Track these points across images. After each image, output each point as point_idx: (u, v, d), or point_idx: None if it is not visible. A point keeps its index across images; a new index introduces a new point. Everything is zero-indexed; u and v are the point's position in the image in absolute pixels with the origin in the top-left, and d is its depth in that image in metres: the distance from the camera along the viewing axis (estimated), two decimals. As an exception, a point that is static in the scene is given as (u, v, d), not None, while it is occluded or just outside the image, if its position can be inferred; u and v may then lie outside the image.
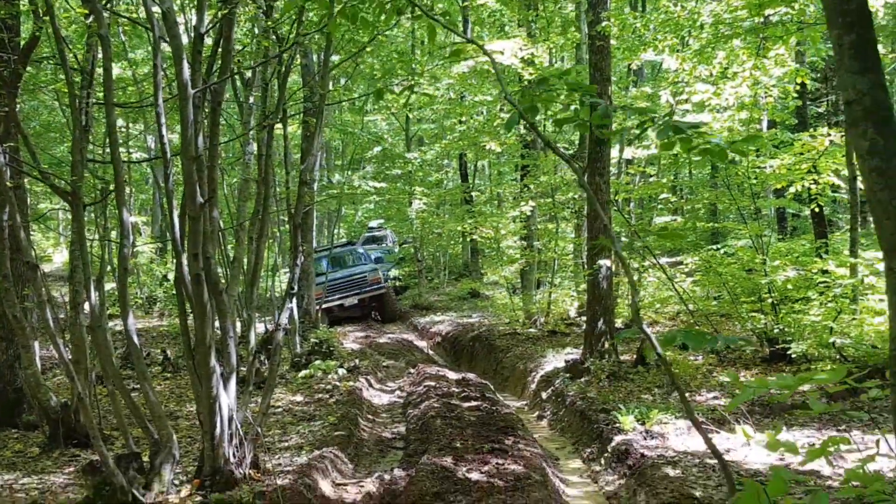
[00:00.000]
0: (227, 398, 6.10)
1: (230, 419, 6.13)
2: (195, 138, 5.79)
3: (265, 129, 10.23)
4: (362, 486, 6.37)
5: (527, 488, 6.05)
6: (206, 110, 6.67)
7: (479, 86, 19.34)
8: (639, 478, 6.53)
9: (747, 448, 7.07)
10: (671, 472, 6.39)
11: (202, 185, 6.19)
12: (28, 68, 9.04)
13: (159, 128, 6.08)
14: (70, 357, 6.95)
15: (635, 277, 15.92)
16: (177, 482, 6.15)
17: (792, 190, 13.42)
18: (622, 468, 7.07)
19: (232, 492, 5.79)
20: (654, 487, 6.10)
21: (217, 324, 6.25)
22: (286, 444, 7.77)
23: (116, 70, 15.45)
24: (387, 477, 6.46)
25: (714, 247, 14.42)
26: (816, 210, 13.50)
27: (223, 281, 16.86)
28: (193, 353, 5.95)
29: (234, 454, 6.11)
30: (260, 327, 16.69)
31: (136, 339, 6.13)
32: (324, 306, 18.69)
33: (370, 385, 11.70)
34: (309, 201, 16.42)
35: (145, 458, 6.13)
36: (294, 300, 13.31)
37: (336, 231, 39.79)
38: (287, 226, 25.17)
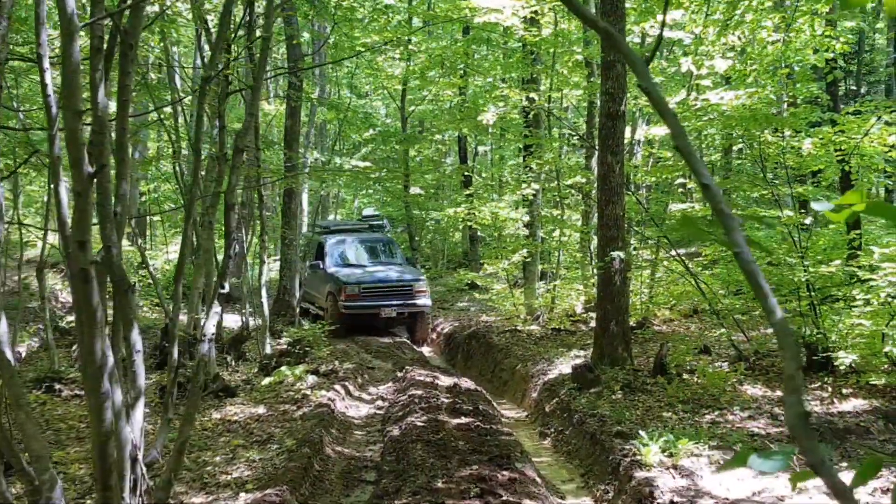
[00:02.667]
0: (129, 433, 4.60)
1: (133, 460, 4.64)
2: (78, 87, 4.28)
3: (223, 98, 8.74)
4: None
5: (524, 555, 4.57)
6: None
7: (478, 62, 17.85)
8: (670, 538, 5.04)
9: (805, 496, 5.58)
10: (711, 529, 4.90)
11: (104, 153, 4.69)
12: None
13: (41, 73, 4.60)
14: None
15: (648, 270, 14.44)
16: (62, 544, 4.67)
17: (829, 173, 11.92)
18: (646, 518, 5.58)
19: (128, 562, 4.31)
20: (691, 555, 4.61)
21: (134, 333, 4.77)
22: (228, 476, 6.30)
23: None
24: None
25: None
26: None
27: (134, 278, 15.21)
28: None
29: (137, 508, 4.62)
30: (234, 320, 15.24)
31: (9, 353, 4.63)
32: (352, 311, 15.43)
33: (348, 393, 10.21)
34: (290, 182, 14.92)
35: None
36: (265, 296, 11.84)
37: (335, 217, 38.35)
38: (275, 204, 23.69)
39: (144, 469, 4.66)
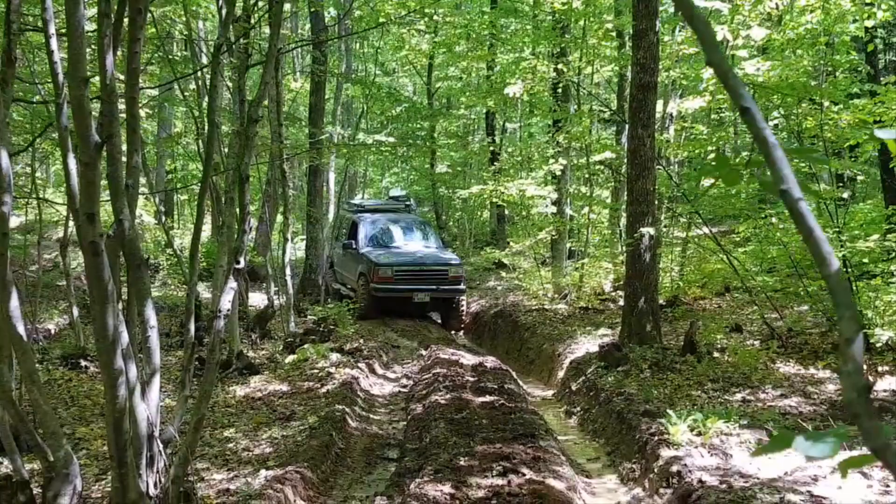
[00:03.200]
0: (145, 409, 4.52)
1: (150, 437, 4.56)
2: (83, 54, 4.16)
3: (243, 71, 8.63)
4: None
5: (547, 536, 4.43)
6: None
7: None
8: (699, 520, 4.87)
9: (839, 475, 5.36)
10: (742, 511, 4.72)
11: (113, 123, 4.58)
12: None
13: (46, 39, 4.50)
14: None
15: (679, 248, 14.15)
16: (79, 520, 4.62)
17: (867, 147, 11.53)
18: (674, 499, 5.41)
19: (144, 540, 4.23)
20: (721, 537, 4.44)
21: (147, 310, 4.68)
22: (251, 453, 6.22)
23: None
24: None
25: (768, 213, 12.59)
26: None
27: (152, 251, 14.93)
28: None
29: (154, 484, 4.55)
30: (261, 299, 15.22)
31: (20, 328, 4.56)
32: (383, 295, 14.63)
33: (372, 371, 10.12)
34: (317, 157, 14.80)
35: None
36: (289, 274, 11.76)
37: (362, 197, 38.28)
38: (302, 182, 23.48)
39: (161, 446, 4.58)
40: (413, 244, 16.20)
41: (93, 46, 5.07)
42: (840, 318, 0.86)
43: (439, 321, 15.74)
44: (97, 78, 4.69)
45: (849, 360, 0.85)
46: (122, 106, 5.15)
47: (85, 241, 4.26)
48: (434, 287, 14.69)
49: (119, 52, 5.28)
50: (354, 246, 15.67)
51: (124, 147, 5.12)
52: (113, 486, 4.43)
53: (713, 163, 1.03)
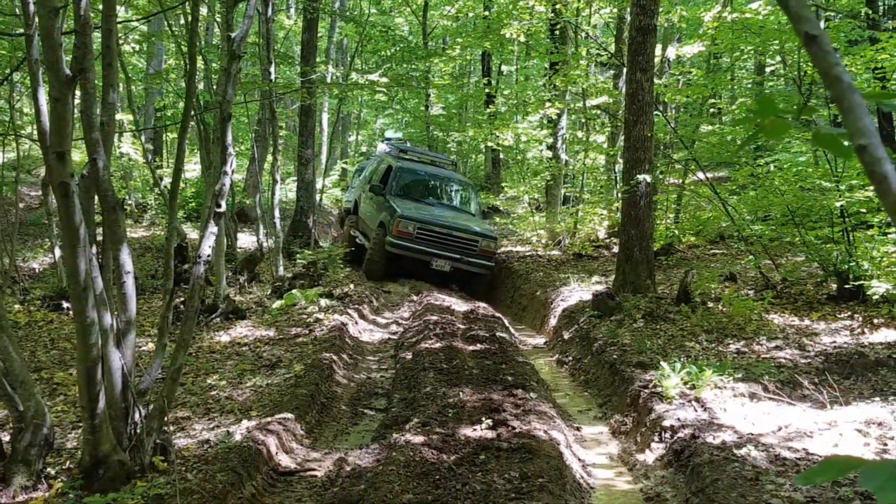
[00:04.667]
0: (119, 359, 4.35)
1: (124, 388, 4.39)
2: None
3: (231, 6, 8.27)
4: (310, 480, 4.68)
5: (535, 492, 4.31)
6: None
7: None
8: (691, 476, 4.76)
9: (835, 431, 5.26)
10: (736, 467, 4.60)
11: (87, 56, 4.30)
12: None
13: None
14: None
15: (674, 195, 13.92)
16: (52, 472, 4.48)
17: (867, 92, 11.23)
18: (666, 453, 5.30)
19: (118, 492, 4.09)
20: (712, 496, 4.33)
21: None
22: (234, 402, 6.09)
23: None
24: (347, 468, 4.74)
25: (764, 160, 12.35)
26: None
27: (122, 194, 14.69)
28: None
29: (129, 436, 4.40)
30: (250, 241, 15.01)
31: (-11, 274, 4.35)
32: (398, 252, 12.95)
33: (362, 317, 9.97)
34: (308, 97, 14.44)
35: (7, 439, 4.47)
36: (278, 216, 11.53)
37: (356, 139, 37.72)
38: (294, 123, 22.93)
39: (136, 397, 4.42)
40: (448, 207, 14.49)
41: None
42: None
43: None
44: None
45: None
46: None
47: (55, 182, 4.04)
48: (458, 257, 13.02)
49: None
50: (383, 191, 14.06)
51: (100, 82, 4.88)
52: (84, 438, 4.29)
53: (751, 110, 0.81)
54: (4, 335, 4.31)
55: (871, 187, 5.18)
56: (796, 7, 0.70)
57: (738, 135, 12.08)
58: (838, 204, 9.16)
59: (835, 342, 7.61)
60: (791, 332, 8.13)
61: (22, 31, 8.25)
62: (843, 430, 5.30)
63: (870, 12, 13.77)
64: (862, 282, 8.59)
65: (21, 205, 15.52)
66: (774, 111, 0.79)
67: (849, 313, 8.53)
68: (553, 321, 10.25)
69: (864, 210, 9.50)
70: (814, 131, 0.75)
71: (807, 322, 8.54)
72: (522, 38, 15.74)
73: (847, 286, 8.86)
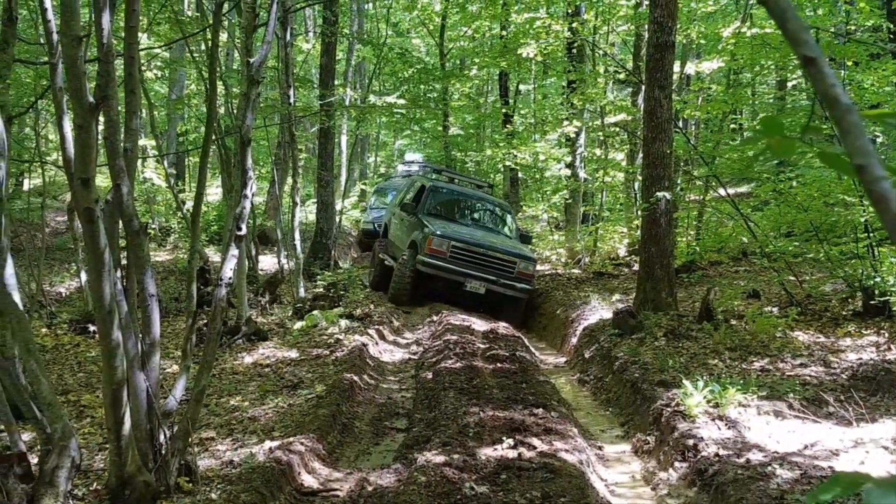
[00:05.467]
0: (144, 381, 4.40)
1: (149, 409, 4.44)
2: (77, 11, 3.96)
3: (251, 32, 8.41)
4: (332, 501, 4.69)
5: (558, 512, 4.30)
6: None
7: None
8: (715, 496, 4.72)
9: (861, 449, 5.21)
10: (761, 486, 4.56)
11: (109, 84, 4.39)
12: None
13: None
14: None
15: (695, 212, 13.88)
16: (79, 493, 4.53)
17: (891, 106, 11.17)
18: (689, 472, 5.26)
19: (144, 513, 4.13)
20: (738, 515, 4.29)
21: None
22: (257, 422, 6.12)
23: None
24: (369, 488, 4.75)
25: (787, 176, 12.28)
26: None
27: (146, 219, 14.85)
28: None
29: (153, 458, 4.44)
30: (271, 263, 15.11)
31: (16, 296, 4.43)
32: (429, 271, 12.25)
33: (382, 337, 10.00)
34: (327, 119, 14.57)
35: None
36: (298, 238, 11.62)
37: (374, 160, 37.95)
38: (313, 145, 23.11)
39: (161, 418, 4.47)
40: (485, 228, 13.75)
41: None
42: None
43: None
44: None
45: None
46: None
47: (80, 208, 4.11)
48: (494, 279, 12.26)
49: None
50: (415, 210, 13.39)
51: (123, 109, 4.97)
52: (110, 459, 4.33)
53: (758, 129, 0.83)
54: (32, 359, 4.37)
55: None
56: (794, 30, 0.72)
57: (758, 149, 12.03)
58: (862, 219, 9.11)
59: (860, 359, 7.53)
60: (816, 350, 8.06)
61: (46, 59, 8.43)
62: (869, 447, 5.24)
63: (892, 26, 13.74)
64: (888, 297, 8.51)
65: (47, 230, 15.78)
66: (780, 130, 0.81)
67: (874, 329, 8.45)
68: (574, 340, 10.22)
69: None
70: (819, 150, 0.76)
71: (832, 339, 8.46)
72: (539, 58, 15.84)
73: (872, 302, 8.78)
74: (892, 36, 13.61)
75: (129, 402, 4.30)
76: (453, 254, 12.21)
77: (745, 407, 6.04)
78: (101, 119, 4.48)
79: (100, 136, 4.95)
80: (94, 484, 4.72)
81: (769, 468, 4.82)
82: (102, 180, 14.11)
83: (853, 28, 13.57)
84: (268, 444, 5.42)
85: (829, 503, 0.77)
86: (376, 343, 9.50)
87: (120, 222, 4.64)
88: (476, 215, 14.12)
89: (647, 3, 11.36)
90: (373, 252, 15.11)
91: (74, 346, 8.92)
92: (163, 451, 4.47)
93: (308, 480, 5.08)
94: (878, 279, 8.67)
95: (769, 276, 10.86)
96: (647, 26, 10.80)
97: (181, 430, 4.58)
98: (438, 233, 12.31)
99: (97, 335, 4.45)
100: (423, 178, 14.99)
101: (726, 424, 5.79)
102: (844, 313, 9.27)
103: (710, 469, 5.02)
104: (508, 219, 14.37)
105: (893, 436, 5.38)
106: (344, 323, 9.50)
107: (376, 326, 10.15)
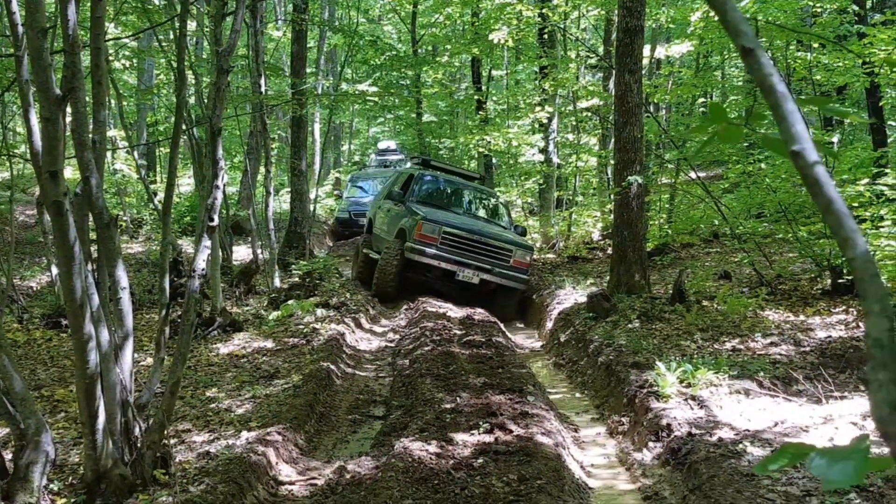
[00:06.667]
0: (118, 374, 4.39)
1: (123, 402, 4.43)
2: (42, 2, 3.92)
3: (219, 20, 8.34)
4: (310, 489, 4.71)
5: (533, 494, 4.35)
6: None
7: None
8: (688, 474, 4.80)
9: (830, 426, 5.31)
10: (733, 464, 4.65)
11: (76, 75, 4.36)
12: None
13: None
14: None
15: (667, 195, 14.00)
16: (55, 488, 4.51)
17: (856, 87, 11.33)
18: (663, 451, 5.34)
19: (119, 507, 4.13)
20: (709, 493, 4.37)
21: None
22: (233, 413, 6.12)
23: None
24: (347, 475, 4.78)
25: (756, 158, 12.42)
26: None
27: (116, 210, 14.78)
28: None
29: (129, 451, 4.43)
30: (246, 253, 15.05)
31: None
32: (417, 259, 11.66)
33: (358, 326, 10.01)
34: (299, 108, 14.50)
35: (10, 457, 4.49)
36: (272, 228, 11.56)
37: (349, 148, 37.81)
38: (286, 134, 22.96)
39: (136, 411, 4.46)
40: (477, 217, 13.16)
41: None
42: (867, 312, 0.71)
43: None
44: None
45: (878, 368, 0.69)
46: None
47: (48, 201, 4.08)
48: (488, 267, 11.65)
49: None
50: (403, 198, 12.81)
51: (90, 101, 4.92)
52: (85, 454, 4.32)
53: (706, 115, 0.86)
54: (4, 354, 4.34)
55: (863, 181, 5.24)
56: (734, 21, 0.74)
57: (707, 135, 12.10)
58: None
59: (830, 337, 7.66)
60: (786, 328, 8.19)
61: (11, 51, 8.31)
62: (838, 423, 5.34)
63: (857, 8, 13.88)
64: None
65: (17, 224, 15.57)
66: (725, 118, 0.84)
67: (843, 308, 8.60)
68: (549, 324, 10.30)
69: (856, 204, 9.58)
70: (762, 135, 0.79)
71: (801, 318, 8.60)
72: (511, 44, 15.84)
73: (841, 281, 8.93)
74: (857, 18, 13.77)
75: (103, 395, 4.29)
76: (444, 241, 11.61)
77: (716, 386, 6.14)
78: (69, 111, 4.45)
79: (68, 129, 4.91)
80: (70, 479, 4.70)
81: (740, 446, 4.90)
82: (71, 172, 13.93)
83: (819, 10, 13.70)
84: (245, 434, 5.42)
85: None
86: (353, 331, 9.51)
87: (90, 215, 4.61)
88: (469, 204, 13.55)
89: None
90: (356, 249, 14.54)
91: (47, 341, 8.84)
92: (138, 445, 4.46)
93: (286, 470, 5.10)
94: (844, 258, 8.81)
95: (740, 257, 11.00)
96: (616, 11, 10.84)
97: (156, 422, 4.58)
98: (430, 218, 11.75)
99: (69, 329, 4.42)
100: (412, 167, 14.49)
101: (698, 404, 5.87)
102: (814, 292, 9.42)
103: (683, 448, 5.10)
104: (503, 210, 13.88)
105: (862, 412, 5.49)
106: (320, 312, 9.50)
107: (353, 315, 10.15)
